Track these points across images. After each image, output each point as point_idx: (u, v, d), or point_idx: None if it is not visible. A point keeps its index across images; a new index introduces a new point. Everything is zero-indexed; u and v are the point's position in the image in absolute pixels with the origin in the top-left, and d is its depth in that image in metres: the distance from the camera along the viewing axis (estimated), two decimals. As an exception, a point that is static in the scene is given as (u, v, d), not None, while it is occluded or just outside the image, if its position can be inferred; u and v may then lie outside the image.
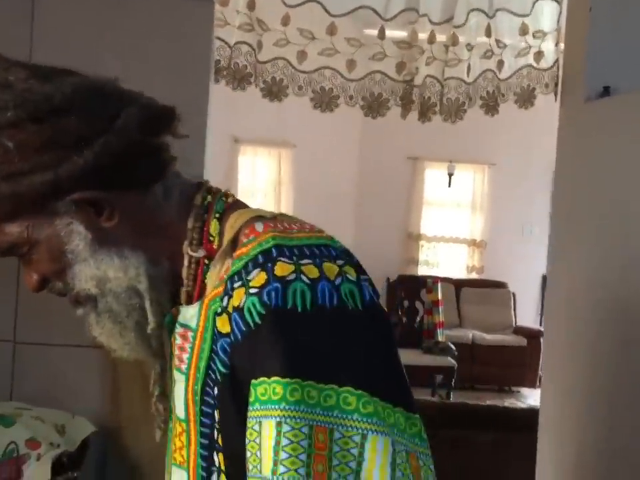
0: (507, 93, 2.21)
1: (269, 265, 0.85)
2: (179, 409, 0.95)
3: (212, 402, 0.90)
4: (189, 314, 0.94)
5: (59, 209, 0.90)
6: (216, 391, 0.89)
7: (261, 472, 0.81)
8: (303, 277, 0.84)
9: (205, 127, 2.02)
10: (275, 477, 0.79)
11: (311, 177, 7.96)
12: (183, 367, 0.94)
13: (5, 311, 1.99)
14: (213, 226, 0.95)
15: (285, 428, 0.80)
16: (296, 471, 0.78)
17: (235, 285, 0.87)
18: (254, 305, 0.84)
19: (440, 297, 6.70)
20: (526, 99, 2.22)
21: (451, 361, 6.21)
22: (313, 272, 0.85)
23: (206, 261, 0.94)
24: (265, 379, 0.82)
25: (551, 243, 2.45)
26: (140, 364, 1.14)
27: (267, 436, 0.80)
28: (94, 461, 1.88)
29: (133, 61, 1.97)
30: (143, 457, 1.98)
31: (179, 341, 0.95)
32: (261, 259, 0.86)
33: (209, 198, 0.97)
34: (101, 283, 0.92)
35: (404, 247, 8.52)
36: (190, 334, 0.93)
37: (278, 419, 0.80)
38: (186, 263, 0.95)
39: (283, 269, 0.85)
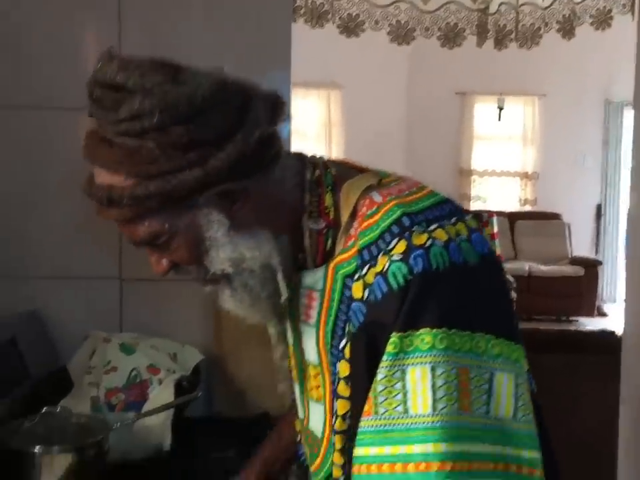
0: (583, 16, 2.22)
1: (406, 234, 0.95)
2: (312, 356, 1.07)
3: (335, 354, 1.01)
4: (314, 278, 1.04)
5: (199, 201, 0.97)
6: (341, 346, 0.99)
7: (408, 411, 0.89)
8: (437, 242, 0.94)
9: (289, 70, 2.09)
10: (435, 412, 0.88)
11: (360, 117, 7.96)
12: (311, 321, 1.05)
13: (110, 250, 2.10)
14: (327, 198, 1.04)
15: (439, 371, 0.89)
16: (452, 405, 0.89)
17: (375, 254, 0.96)
18: (399, 270, 0.93)
19: (496, 230, 6.71)
20: (602, 20, 2.22)
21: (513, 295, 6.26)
22: (442, 235, 0.95)
23: (325, 230, 1.03)
24: (412, 331, 0.91)
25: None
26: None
27: (418, 380, 0.90)
28: (202, 386, 1.99)
29: (217, 10, 2.04)
30: (246, 382, 2.10)
31: (304, 300, 1.06)
32: (396, 229, 0.96)
33: (317, 172, 1.05)
34: (237, 263, 1.00)
35: (455, 183, 8.51)
36: (315, 294, 1.04)
37: (432, 365, 0.90)
38: (307, 234, 1.03)
39: (419, 238, 0.94)
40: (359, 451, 0.93)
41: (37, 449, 1.48)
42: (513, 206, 8.59)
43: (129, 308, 2.12)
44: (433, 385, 0.89)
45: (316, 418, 1.08)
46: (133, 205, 0.94)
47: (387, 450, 0.90)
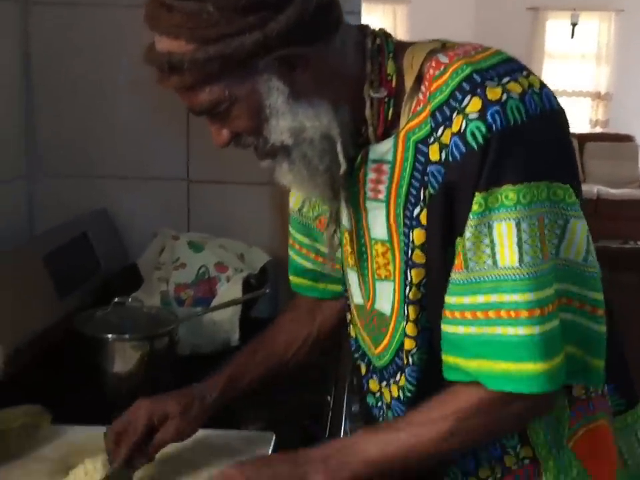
0: None
1: (479, 90, 0.92)
2: (380, 233, 1.06)
3: (409, 223, 1.00)
4: (383, 149, 1.02)
5: (259, 66, 0.94)
6: (415, 213, 0.98)
7: (497, 264, 0.92)
8: (512, 94, 0.92)
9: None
10: (522, 265, 0.91)
11: (426, 33, 7.63)
12: (381, 196, 1.04)
13: (178, 152, 2.10)
14: (389, 65, 1.01)
15: (523, 226, 0.91)
16: (537, 256, 0.92)
17: (448, 115, 0.93)
18: (478, 128, 0.91)
19: (565, 150, 6.54)
20: None
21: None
22: (516, 87, 0.92)
23: (386, 100, 1.01)
24: (495, 188, 0.91)
25: None
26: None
27: (504, 235, 0.92)
28: (269, 287, 2.00)
29: None
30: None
31: (372, 175, 1.04)
32: (467, 87, 0.93)
33: (378, 40, 1.02)
34: (296, 133, 0.98)
35: (524, 103, 8.28)
36: (385, 167, 1.02)
37: (516, 220, 0.91)
38: (368, 104, 1.01)
39: (493, 92, 0.91)
40: (452, 299, 0.96)
41: (110, 336, 1.53)
42: (583, 127, 8.34)
43: (197, 209, 2.13)
44: (519, 240, 0.91)
45: (384, 297, 1.08)
46: (194, 70, 0.93)
47: (480, 299, 0.93)
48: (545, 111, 0.94)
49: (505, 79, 0.93)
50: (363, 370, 1.17)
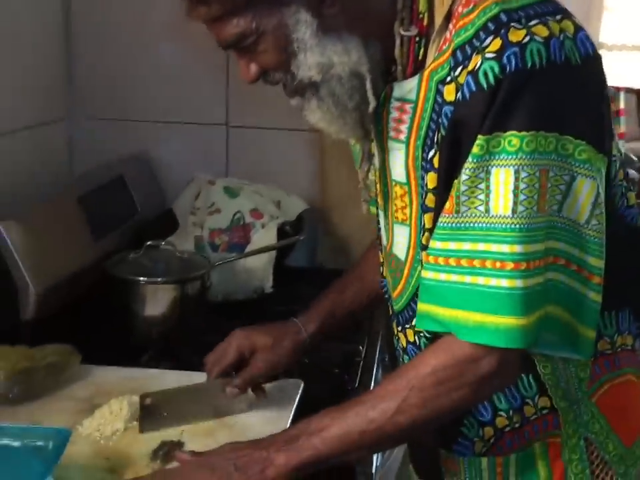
0: None
1: (502, 30, 0.87)
2: (399, 175, 1.03)
3: (425, 166, 0.97)
4: (407, 88, 0.98)
5: None
6: (430, 156, 0.95)
7: (489, 211, 0.88)
8: (536, 37, 0.86)
9: None
10: (515, 215, 0.87)
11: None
12: (402, 136, 1.00)
13: (217, 97, 2.07)
14: (421, 3, 0.96)
15: (522, 175, 0.87)
16: (531, 208, 0.87)
17: (469, 54, 0.89)
18: (491, 68, 0.86)
19: (622, 106, 6.34)
20: None
21: (634, 174, 5.97)
22: (542, 31, 0.87)
23: (417, 39, 0.97)
24: (499, 133, 0.86)
25: None
26: (346, 148, 1.22)
27: (502, 182, 0.87)
28: (306, 237, 1.98)
29: None
30: (349, 236, 2.08)
31: (395, 114, 1.01)
32: (491, 26, 0.88)
33: None
34: (325, 69, 0.95)
35: (581, 57, 8.04)
36: (408, 106, 0.99)
37: (516, 167, 0.87)
38: (398, 42, 0.97)
39: (516, 34, 0.86)
40: (436, 244, 0.93)
41: (141, 279, 1.52)
42: (643, 83, 8.08)
43: (235, 155, 2.11)
44: (515, 188, 0.87)
45: (400, 240, 1.06)
46: (221, 1, 0.92)
47: (466, 246, 0.90)
48: (572, 58, 0.88)
49: (533, 22, 0.87)
50: (390, 312, 1.15)
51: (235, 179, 1.99)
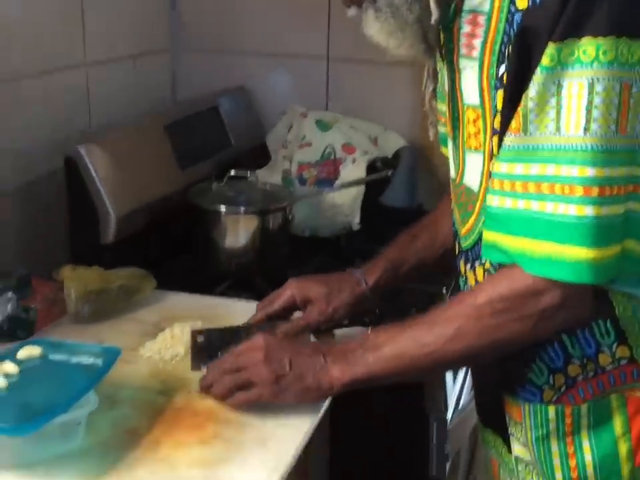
0: None
1: None
2: (472, 96, 0.94)
3: (497, 85, 0.88)
4: None
5: None
6: (500, 72, 0.86)
7: (560, 130, 0.80)
8: None
9: None
10: (587, 134, 0.79)
11: None
12: (475, 53, 0.91)
13: (318, 29, 2.01)
14: None
15: (598, 88, 0.78)
16: (608, 127, 0.79)
17: None
18: None
19: None
20: None
21: None
22: None
23: None
24: (574, 39, 0.78)
25: None
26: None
27: (574, 95, 0.79)
28: (404, 175, 1.90)
29: None
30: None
31: (466, 28, 0.92)
32: None
33: None
34: None
35: None
36: (481, 18, 0.90)
37: (590, 80, 0.78)
38: None
39: None
40: (502, 167, 0.86)
41: (223, 208, 1.50)
42: None
43: (335, 88, 2.05)
44: (589, 103, 0.78)
45: (473, 170, 0.97)
46: None
47: (534, 169, 0.83)
48: None
49: None
50: (456, 250, 1.07)
51: (329, 112, 1.93)
